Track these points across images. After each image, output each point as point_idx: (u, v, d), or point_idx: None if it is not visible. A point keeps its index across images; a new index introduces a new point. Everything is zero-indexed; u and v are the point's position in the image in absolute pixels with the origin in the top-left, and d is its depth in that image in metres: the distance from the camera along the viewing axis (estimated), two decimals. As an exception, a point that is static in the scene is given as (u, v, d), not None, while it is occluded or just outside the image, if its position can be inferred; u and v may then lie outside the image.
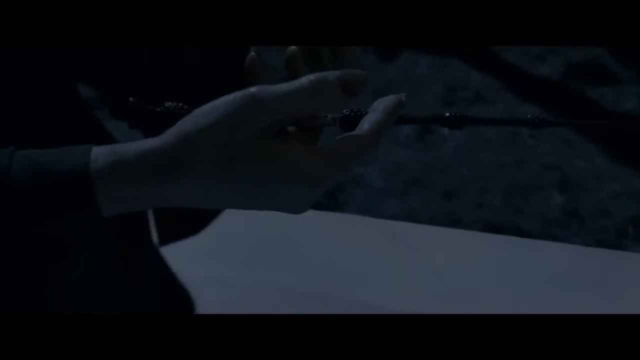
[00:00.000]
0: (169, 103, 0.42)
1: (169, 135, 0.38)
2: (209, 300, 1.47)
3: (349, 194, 2.02)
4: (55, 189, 0.37)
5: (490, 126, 0.53)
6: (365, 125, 0.39)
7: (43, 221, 0.37)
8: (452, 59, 2.26)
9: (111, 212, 0.38)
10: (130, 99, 0.42)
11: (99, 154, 0.38)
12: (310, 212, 0.40)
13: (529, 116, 0.47)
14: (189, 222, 0.68)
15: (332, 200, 2.01)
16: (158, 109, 0.42)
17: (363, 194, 2.02)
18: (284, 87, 0.38)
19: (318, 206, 2.10)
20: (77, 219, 0.38)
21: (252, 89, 0.37)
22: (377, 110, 0.40)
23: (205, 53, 0.56)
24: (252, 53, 0.42)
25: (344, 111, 0.42)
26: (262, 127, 0.37)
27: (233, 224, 1.18)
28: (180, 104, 0.42)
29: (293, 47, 0.43)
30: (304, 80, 0.38)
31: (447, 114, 0.45)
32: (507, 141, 2.07)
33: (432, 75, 2.22)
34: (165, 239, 0.69)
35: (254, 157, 0.37)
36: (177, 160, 0.37)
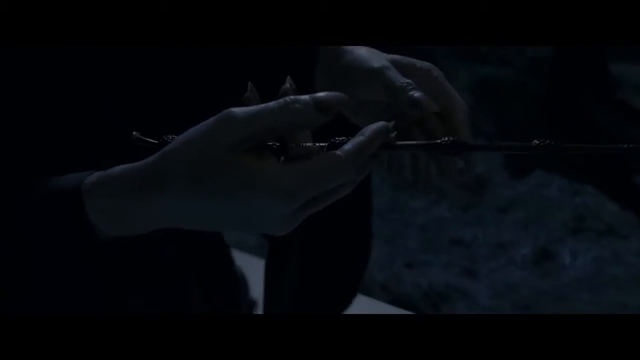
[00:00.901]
0: (168, 136, 0.44)
1: (153, 156, 0.41)
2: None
3: (452, 306, 1.94)
4: (52, 200, 0.43)
5: (491, 152, 0.51)
6: (346, 146, 0.40)
7: (40, 226, 0.42)
8: (587, 185, 2.13)
9: (102, 224, 0.42)
10: (133, 133, 0.45)
11: (96, 173, 0.42)
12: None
13: (535, 141, 0.43)
14: None
15: (434, 309, 1.94)
16: (157, 142, 0.44)
17: (467, 309, 1.93)
18: (260, 105, 0.39)
19: (418, 311, 2.03)
20: (69, 227, 0.42)
21: (231, 109, 0.39)
22: (362, 134, 0.41)
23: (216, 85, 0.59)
24: (247, 92, 0.43)
25: (332, 139, 0.42)
26: (233, 143, 0.38)
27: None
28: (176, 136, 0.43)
29: (287, 85, 0.43)
30: (281, 99, 0.39)
31: (439, 141, 0.44)
32: (635, 281, 1.88)
33: (563, 200, 2.10)
34: None
35: (224, 170, 0.38)
36: (154, 174, 0.40)
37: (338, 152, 0.39)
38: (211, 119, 0.39)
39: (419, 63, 0.57)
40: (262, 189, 0.38)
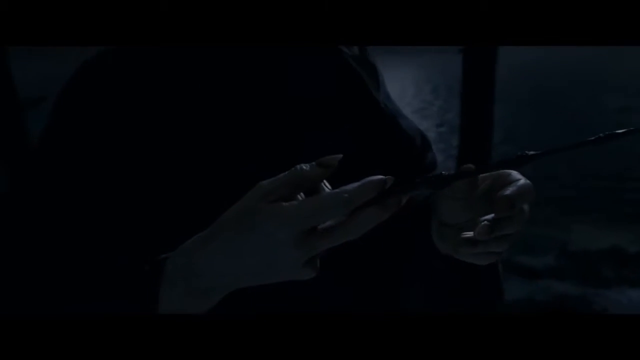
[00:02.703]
0: None
1: None
2: None
3: None
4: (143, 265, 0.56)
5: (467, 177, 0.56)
6: (344, 187, 0.51)
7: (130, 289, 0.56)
8: None
9: (179, 280, 0.54)
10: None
11: None
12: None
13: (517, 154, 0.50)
14: None
15: None
16: None
17: None
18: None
19: None
20: (152, 282, 0.55)
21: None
22: (360, 181, 0.50)
23: None
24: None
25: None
26: (260, 197, 0.51)
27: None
28: None
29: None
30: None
31: (417, 179, 0.52)
32: None
33: None
34: None
35: (253, 215, 0.51)
36: (207, 232, 0.54)
37: (335, 190, 0.51)
38: None
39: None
40: (271, 219, 0.50)
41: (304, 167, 0.52)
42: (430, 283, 0.74)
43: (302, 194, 0.53)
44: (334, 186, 0.52)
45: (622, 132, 0.50)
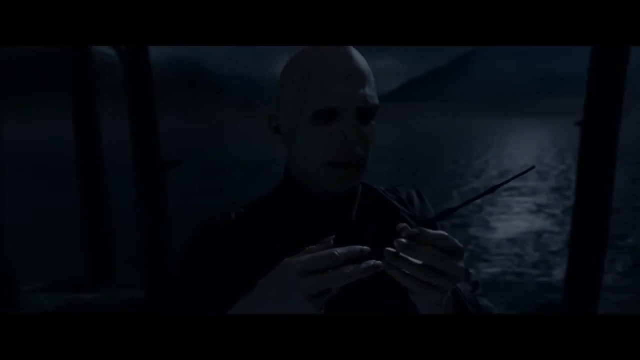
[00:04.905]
0: None
1: None
2: None
3: None
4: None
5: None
6: (338, 248, 0.73)
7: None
8: None
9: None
10: None
11: None
12: None
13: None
14: None
15: None
16: None
17: None
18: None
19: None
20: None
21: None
22: (348, 247, 0.73)
23: None
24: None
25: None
26: (286, 262, 0.74)
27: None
28: None
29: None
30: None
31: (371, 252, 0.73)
32: None
33: None
34: None
35: (275, 270, 0.75)
36: (254, 287, 0.78)
37: (329, 250, 0.72)
38: None
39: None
40: (284, 267, 0.73)
41: (312, 246, 0.75)
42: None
43: None
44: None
45: (512, 177, 0.73)
